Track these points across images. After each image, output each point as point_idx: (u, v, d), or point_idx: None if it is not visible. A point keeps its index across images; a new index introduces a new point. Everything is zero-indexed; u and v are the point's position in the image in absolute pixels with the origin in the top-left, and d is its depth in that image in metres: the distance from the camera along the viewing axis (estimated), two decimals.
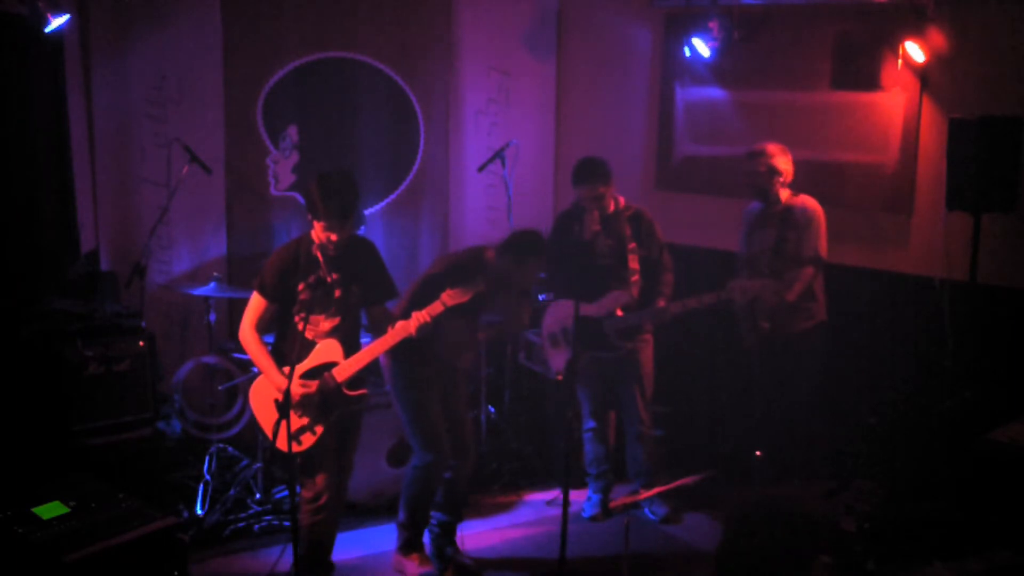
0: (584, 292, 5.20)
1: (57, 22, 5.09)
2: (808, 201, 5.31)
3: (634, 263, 5.19)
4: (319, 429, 4.25)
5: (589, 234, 5.18)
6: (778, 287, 5.10)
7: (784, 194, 5.34)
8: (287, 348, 4.24)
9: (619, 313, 5.18)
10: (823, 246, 5.27)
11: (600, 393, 5.46)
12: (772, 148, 5.30)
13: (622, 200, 5.30)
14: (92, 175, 5.91)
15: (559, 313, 5.34)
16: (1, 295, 5.13)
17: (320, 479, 4.31)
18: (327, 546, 4.51)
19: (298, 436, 4.19)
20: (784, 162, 5.30)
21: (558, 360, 5.38)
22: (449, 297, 4.20)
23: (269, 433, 4.20)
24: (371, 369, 4.50)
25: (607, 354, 5.26)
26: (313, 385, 4.21)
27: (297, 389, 4.15)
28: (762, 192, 5.37)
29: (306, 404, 4.22)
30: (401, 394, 4.70)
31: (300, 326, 4.19)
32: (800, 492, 5.42)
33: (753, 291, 5.09)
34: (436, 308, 4.21)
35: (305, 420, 4.24)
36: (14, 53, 5.25)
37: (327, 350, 4.26)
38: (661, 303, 5.15)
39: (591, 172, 5.16)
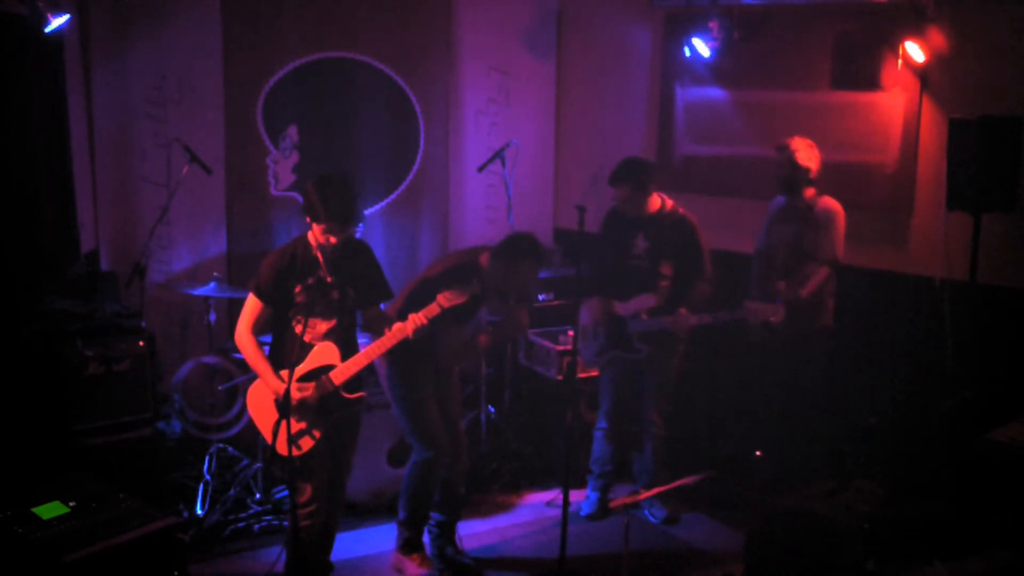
0: (616, 292, 5.21)
1: (57, 22, 5.08)
2: (830, 202, 5.30)
3: (666, 268, 5.17)
4: (317, 433, 4.25)
5: (630, 244, 5.19)
6: (792, 293, 5.08)
7: (808, 191, 5.32)
8: (284, 351, 4.24)
9: (644, 317, 5.17)
10: (840, 248, 5.26)
11: (619, 395, 5.44)
12: (797, 144, 5.28)
13: (669, 202, 5.23)
14: (92, 175, 5.91)
15: (595, 307, 5.34)
16: (1, 295, 5.12)
17: (310, 487, 4.30)
18: (318, 549, 4.51)
19: (297, 440, 4.19)
20: (808, 158, 5.27)
21: (587, 352, 5.39)
22: (445, 299, 4.20)
23: (268, 437, 4.20)
24: (368, 370, 4.50)
25: (630, 355, 5.26)
26: (311, 389, 4.21)
27: (295, 394, 4.15)
28: (786, 187, 5.35)
29: (304, 408, 4.22)
30: (398, 394, 4.70)
31: (297, 329, 4.18)
32: (800, 492, 5.43)
33: (766, 315, 5.03)
34: (432, 310, 4.21)
35: (303, 424, 4.23)
36: (14, 53, 5.24)
37: (324, 353, 4.26)
38: (682, 311, 5.09)
39: (622, 174, 5.14)
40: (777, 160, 5.35)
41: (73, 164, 5.68)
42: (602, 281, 5.32)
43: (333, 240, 4.13)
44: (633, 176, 5.13)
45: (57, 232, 5.62)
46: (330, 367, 4.25)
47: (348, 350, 4.31)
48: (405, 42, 6.75)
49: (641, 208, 5.18)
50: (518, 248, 4.66)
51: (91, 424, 4.93)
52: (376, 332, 4.37)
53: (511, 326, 4.86)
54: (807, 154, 5.27)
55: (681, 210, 5.24)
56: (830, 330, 5.41)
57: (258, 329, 4.28)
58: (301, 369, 4.21)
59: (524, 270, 4.66)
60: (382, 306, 4.53)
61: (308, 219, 4.16)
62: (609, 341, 5.28)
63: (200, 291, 5.43)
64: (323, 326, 4.27)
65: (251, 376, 4.42)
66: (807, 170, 5.27)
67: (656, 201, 5.21)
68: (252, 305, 4.27)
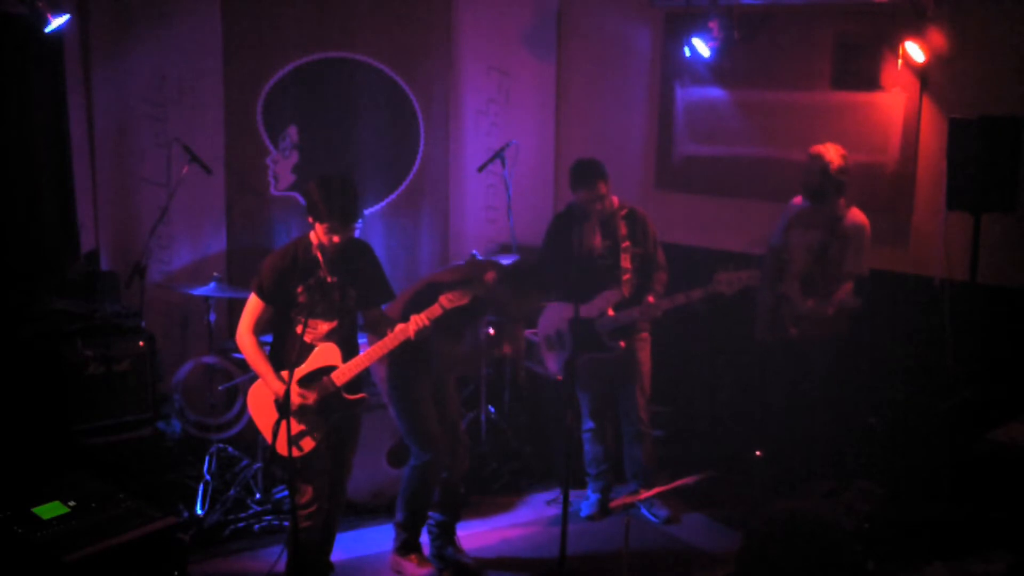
0: (580, 293, 5.20)
1: (57, 22, 5.09)
2: (859, 215, 5.23)
3: (627, 262, 5.20)
4: (318, 434, 4.25)
5: (592, 245, 5.20)
6: (766, 277, 5.08)
7: (838, 202, 5.22)
8: (285, 352, 4.23)
9: (610, 313, 5.18)
10: (866, 263, 5.20)
11: (599, 393, 5.46)
12: (831, 154, 5.18)
13: (615, 199, 5.30)
14: (92, 175, 5.91)
15: (554, 315, 5.34)
16: (1, 295, 5.12)
17: (311, 488, 4.30)
18: (318, 549, 4.50)
19: (298, 441, 4.19)
20: (842, 169, 5.18)
21: (553, 362, 5.39)
22: (448, 300, 4.20)
23: (268, 437, 4.19)
24: (367, 371, 4.50)
25: (603, 354, 5.26)
26: (311, 394, 4.21)
27: (295, 397, 4.14)
28: (815, 194, 5.25)
29: (305, 409, 4.22)
30: (395, 395, 4.70)
31: (299, 329, 4.18)
32: (800, 492, 5.43)
33: (741, 282, 5.02)
34: (435, 311, 4.21)
35: (304, 425, 4.23)
36: (14, 53, 5.24)
37: (326, 354, 4.25)
38: (650, 299, 5.15)
39: (593, 174, 5.15)
40: (806, 167, 5.25)
41: (73, 164, 5.68)
42: (563, 287, 5.30)
43: (336, 239, 4.14)
44: (601, 174, 5.16)
45: (57, 232, 5.63)
46: (331, 368, 4.25)
47: (349, 351, 4.31)
48: (405, 42, 6.75)
49: (607, 206, 5.21)
50: (525, 280, 4.66)
51: (91, 424, 4.93)
52: (377, 333, 4.37)
53: (512, 345, 4.86)
54: (841, 165, 5.18)
55: (629, 204, 5.32)
56: (844, 336, 5.39)
57: (259, 329, 4.28)
58: (302, 370, 4.21)
59: (530, 298, 4.69)
60: (383, 307, 4.53)
61: (310, 219, 4.16)
62: (580, 345, 5.26)
63: (200, 291, 5.43)
64: (324, 327, 4.27)
65: (251, 376, 4.41)
66: (840, 182, 5.19)
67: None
68: (253, 305, 4.27)
